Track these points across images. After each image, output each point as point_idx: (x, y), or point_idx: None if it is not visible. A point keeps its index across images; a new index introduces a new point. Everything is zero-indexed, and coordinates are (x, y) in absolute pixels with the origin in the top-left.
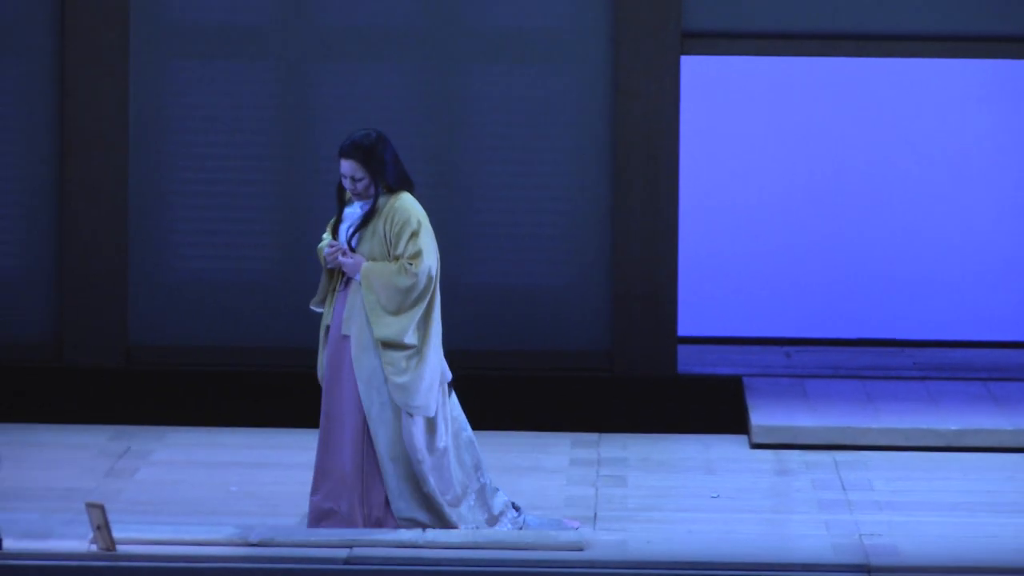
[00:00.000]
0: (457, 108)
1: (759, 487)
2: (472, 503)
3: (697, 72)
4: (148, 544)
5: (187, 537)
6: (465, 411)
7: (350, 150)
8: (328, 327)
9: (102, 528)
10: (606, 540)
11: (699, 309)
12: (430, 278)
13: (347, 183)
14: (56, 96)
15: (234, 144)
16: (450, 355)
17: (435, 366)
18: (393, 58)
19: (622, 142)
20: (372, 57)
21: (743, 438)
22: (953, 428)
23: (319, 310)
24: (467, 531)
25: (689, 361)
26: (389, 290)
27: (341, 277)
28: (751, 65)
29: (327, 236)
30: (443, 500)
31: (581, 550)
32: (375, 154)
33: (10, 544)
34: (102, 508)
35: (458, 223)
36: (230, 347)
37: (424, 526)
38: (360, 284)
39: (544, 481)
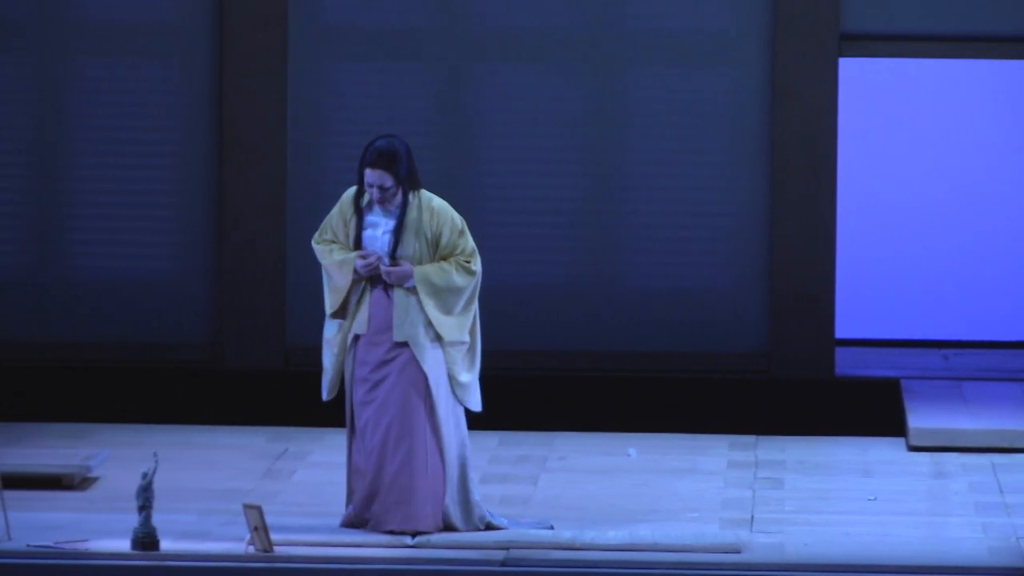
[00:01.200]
0: (615, 110)
1: (916, 490)
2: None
3: (855, 74)
4: (305, 546)
5: (344, 539)
6: (622, 413)
7: (376, 159)
8: (356, 336)
9: (259, 529)
10: (763, 542)
11: (857, 311)
12: (480, 274)
13: (374, 192)
14: (214, 99)
15: None
16: (609, 357)
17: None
18: (550, 60)
19: (780, 144)
20: (529, 59)
21: (900, 440)
22: None
23: (339, 321)
24: (625, 532)
25: (847, 363)
26: (451, 291)
27: (369, 285)
28: (907, 67)
29: (336, 248)
30: (483, 510)
31: (738, 552)
32: (398, 157)
33: (167, 545)
34: (259, 509)
35: (616, 225)
36: None
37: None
38: (409, 290)
39: (701, 483)
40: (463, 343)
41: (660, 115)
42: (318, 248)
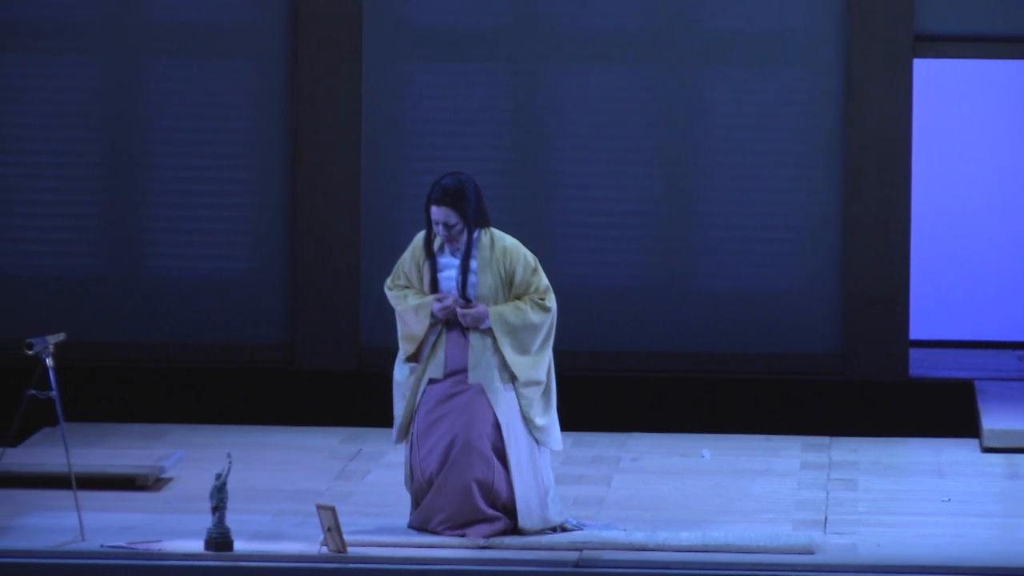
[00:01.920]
0: (689, 111)
1: (990, 491)
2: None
3: (929, 75)
4: (379, 546)
5: (417, 539)
6: (696, 414)
7: (442, 197)
8: (431, 379)
9: (333, 530)
10: (836, 544)
11: (931, 312)
12: (555, 312)
13: (440, 230)
14: (289, 100)
15: (467, 147)
16: (683, 358)
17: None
18: (624, 61)
19: (854, 145)
20: (604, 59)
21: (974, 442)
22: None
23: (411, 364)
24: (698, 534)
25: (921, 364)
26: (527, 329)
27: (445, 328)
28: (981, 68)
29: (411, 293)
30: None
31: (811, 553)
32: (465, 195)
33: (241, 546)
34: (333, 510)
35: (690, 226)
36: None
37: None
38: (485, 331)
39: (775, 485)
40: (539, 383)
41: (734, 116)
42: (391, 294)
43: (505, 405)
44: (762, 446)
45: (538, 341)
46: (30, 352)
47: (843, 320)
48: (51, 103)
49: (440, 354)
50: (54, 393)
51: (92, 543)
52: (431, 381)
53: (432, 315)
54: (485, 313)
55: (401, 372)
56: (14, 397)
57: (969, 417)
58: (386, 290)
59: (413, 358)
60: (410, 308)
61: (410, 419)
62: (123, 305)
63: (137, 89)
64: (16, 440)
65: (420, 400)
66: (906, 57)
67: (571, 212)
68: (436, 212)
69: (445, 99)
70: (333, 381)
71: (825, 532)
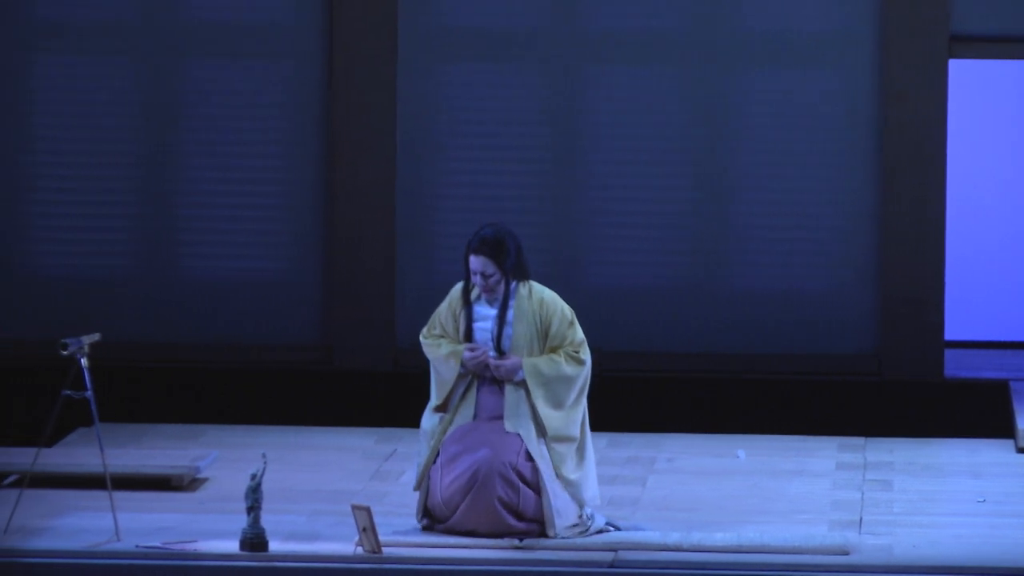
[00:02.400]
0: (723, 111)
1: None
2: None
3: (964, 75)
4: (414, 547)
5: (452, 540)
6: (731, 414)
7: (480, 246)
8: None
9: (368, 530)
10: (872, 544)
11: (966, 313)
12: (590, 366)
13: (478, 279)
14: (324, 100)
15: (500, 148)
16: (718, 358)
17: (593, 456)
18: (660, 61)
19: (889, 146)
20: (639, 60)
21: (1009, 442)
22: None
23: (440, 414)
24: (733, 534)
25: (956, 365)
26: (561, 381)
27: (476, 380)
28: (1017, 68)
29: (445, 343)
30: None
31: (847, 554)
32: (504, 247)
33: (276, 546)
34: (368, 510)
35: (725, 226)
36: None
37: None
38: (519, 383)
39: (810, 485)
40: (571, 439)
41: (769, 117)
42: (426, 342)
43: (538, 454)
44: (797, 447)
45: (572, 395)
46: (65, 352)
47: (878, 320)
48: (86, 103)
49: (470, 406)
50: (89, 393)
51: (127, 543)
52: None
53: (462, 364)
54: (519, 364)
55: (430, 421)
56: (49, 397)
57: (1004, 418)
58: (421, 339)
59: (442, 407)
60: (442, 356)
61: (432, 462)
62: (158, 305)
63: (173, 89)
64: (51, 440)
65: (445, 438)
66: (942, 58)
67: (606, 212)
68: (474, 262)
69: (480, 100)
70: (368, 382)
71: (860, 533)
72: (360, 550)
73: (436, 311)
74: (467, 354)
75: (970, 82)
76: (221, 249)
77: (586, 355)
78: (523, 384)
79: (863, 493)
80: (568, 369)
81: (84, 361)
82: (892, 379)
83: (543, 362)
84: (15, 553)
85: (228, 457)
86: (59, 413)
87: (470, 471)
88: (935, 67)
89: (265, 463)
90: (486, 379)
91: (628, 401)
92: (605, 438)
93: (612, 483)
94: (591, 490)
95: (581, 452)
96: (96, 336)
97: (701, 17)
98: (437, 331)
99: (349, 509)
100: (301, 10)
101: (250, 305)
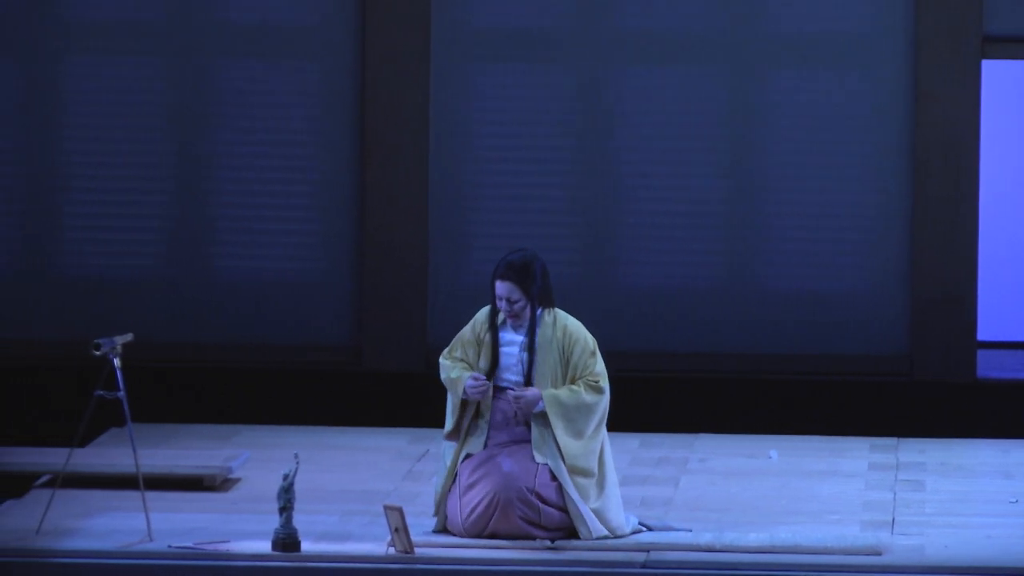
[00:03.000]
0: (755, 112)
1: None
2: None
3: (997, 76)
4: (446, 547)
5: (484, 541)
6: (763, 415)
7: (506, 272)
8: (468, 454)
9: (400, 530)
10: (903, 545)
11: (998, 313)
12: (608, 397)
13: (503, 305)
14: (357, 101)
15: (533, 148)
16: (750, 359)
17: (616, 485)
18: (690, 61)
19: (921, 146)
20: (670, 60)
21: None
22: None
23: (453, 443)
24: (765, 534)
25: (988, 365)
26: (581, 410)
27: (485, 410)
28: None
29: (459, 367)
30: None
31: (879, 554)
32: (530, 273)
33: (308, 546)
34: (400, 511)
35: (756, 227)
36: None
37: None
38: (541, 415)
39: (842, 486)
40: (589, 474)
41: (801, 118)
42: (443, 363)
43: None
44: (829, 447)
45: (592, 424)
46: (98, 353)
47: (910, 321)
48: (118, 104)
49: (482, 432)
50: (121, 394)
51: (160, 543)
52: (468, 455)
53: (465, 392)
54: (539, 396)
55: (447, 453)
56: (82, 398)
57: None
58: (441, 359)
59: (453, 434)
60: (449, 380)
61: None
62: (190, 306)
63: (204, 90)
64: (84, 441)
65: (460, 467)
66: (974, 58)
67: (636, 213)
68: (500, 287)
69: (512, 100)
70: (400, 382)
71: (892, 533)
72: (392, 550)
73: (460, 333)
74: (469, 382)
75: (1003, 82)
76: (253, 250)
77: (606, 385)
78: (544, 415)
79: (895, 494)
80: (588, 398)
81: (117, 361)
82: (924, 379)
83: (563, 393)
84: (48, 553)
85: (260, 457)
86: (92, 413)
87: (487, 499)
88: (968, 67)
89: (297, 463)
90: (499, 409)
91: (660, 401)
92: (637, 439)
93: (644, 483)
94: (615, 519)
95: (601, 485)
96: (129, 336)
97: (732, 17)
98: (458, 353)
99: (381, 509)
100: (333, 11)
101: (282, 306)
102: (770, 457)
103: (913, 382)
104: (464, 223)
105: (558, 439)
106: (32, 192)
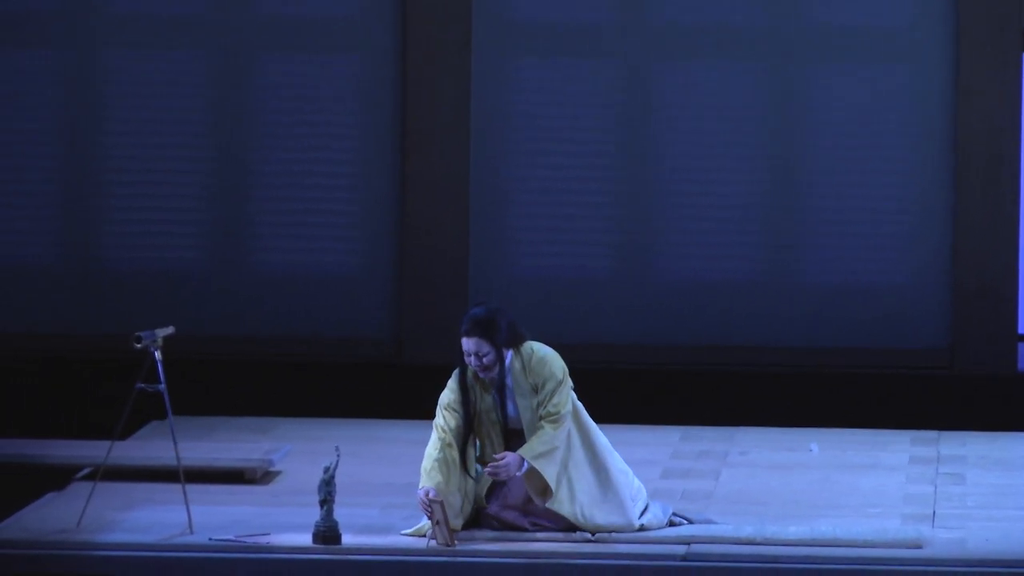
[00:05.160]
0: (795, 106)
1: None
2: None
3: None
4: (486, 541)
5: (525, 535)
6: (804, 409)
7: (472, 328)
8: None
9: (441, 523)
10: (945, 538)
11: None
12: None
13: (473, 361)
14: (398, 94)
15: (574, 142)
16: (790, 352)
17: (622, 485)
18: (731, 56)
19: (962, 139)
20: (711, 54)
21: None
22: None
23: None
24: (806, 528)
25: None
26: (559, 451)
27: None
28: None
29: (433, 464)
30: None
31: (919, 548)
32: (495, 325)
33: (349, 539)
34: (442, 503)
35: (796, 221)
36: (571, 345)
37: None
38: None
39: (883, 479)
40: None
41: (841, 112)
42: (432, 438)
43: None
44: (870, 440)
45: (562, 439)
46: (139, 346)
47: (951, 314)
48: (158, 97)
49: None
50: (162, 387)
51: (200, 536)
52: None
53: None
54: (518, 460)
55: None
56: (123, 391)
57: None
58: (434, 425)
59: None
60: (423, 470)
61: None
62: (231, 299)
63: (245, 83)
64: (125, 434)
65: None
66: (1015, 52)
67: (677, 207)
68: (467, 343)
69: (552, 94)
70: (441, 375)
71: (933, 527)
72: (433, 543)
73: (440, 399)
74: (421, 495)
75: None
76: (293, 243)
77: (565, 411)
78: (531, 471)
79: (936, 487)
80: (555, 434)
81: (158, 354)
82: (965, 373)
83: (536, 444)
84: (89, 546)
85: (301, 450)
86: (133, 406)
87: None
88: (1009, 60)
89: (338, 456)
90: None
91: (701, 395)
92: (678, 432)
93: (685, 477)
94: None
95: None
96: (170, 329)
97: (773, 11)
98: (441, 423)
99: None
100: (374, 3)
101: (322, 298)
102: (811, 450)
103: (954, 375)
104: (504, 216)
105: (545, 476)
106: (74, 186)
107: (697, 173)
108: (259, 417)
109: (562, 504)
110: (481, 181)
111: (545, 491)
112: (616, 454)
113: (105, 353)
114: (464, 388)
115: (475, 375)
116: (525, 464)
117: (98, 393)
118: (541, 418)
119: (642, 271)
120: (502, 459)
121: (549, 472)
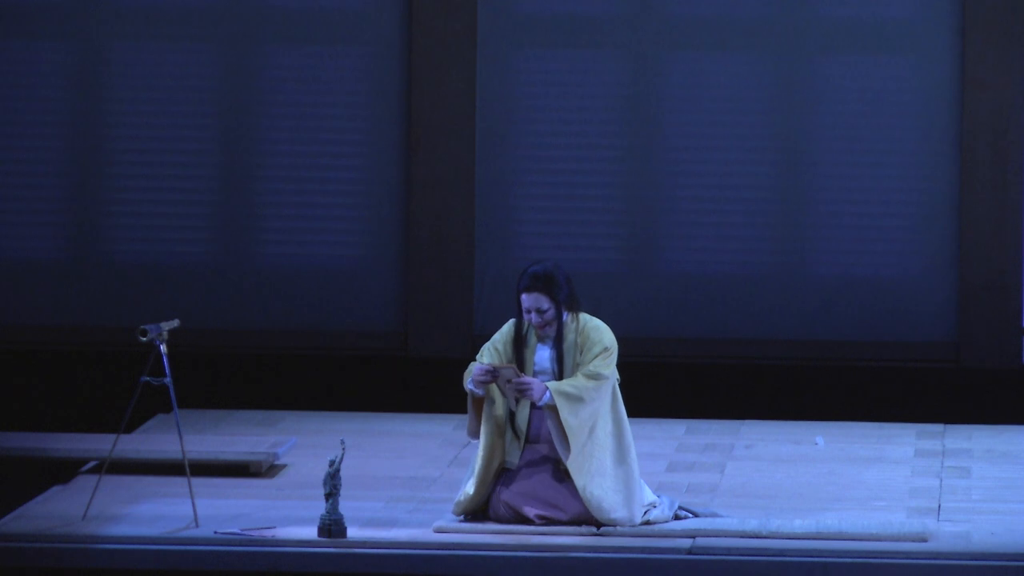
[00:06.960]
0: (802, 98)
1: None
2: None
3: None
4: (493, 534)
5: (530, 528)
6: (809, 401)
7: (532, 283)
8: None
9: (511, 383)
10: (950, 531)
11: None
12: (609, 393)
13: (533, 316)
14: (404, 87)
15: (580, 134)
16: (796, 345)
17: (635, 484)
18: (737, 47)
19: (969, 133)
20: (718, 46)
21: None
22: None
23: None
24: (811, 521)
25: None
26: (585, 408)
27: (513, 414)
28: None
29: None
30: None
31: (925, 541)
32: (555, 281)
33: (354, 533)
34: (515, 367)
35: (803, 213)
36: None
37: None
38: (549, 408)
39: (889, 472)
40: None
41: (848, 104)
42: (475, 362)
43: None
44: (875, 434)
45: (593, 400)
46: (144, 339)
47: (957, 308)
48: (166, 90)
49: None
50: (168, 380)
51: (206, 530)
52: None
53: (473, 377)
54: (542, 388)
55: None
56: (128, 384)
57: None
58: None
59: (474, 433)
60: (467, 373)
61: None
62: (237, 292)
63: (252, 76)
64: (130, 427)
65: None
66: (1022, 44)
67: (684, 199)
68: (527, 299)
69: (559, 86)
70: (446, 368)
71: (938, 520)
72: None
73: (489, 341)
74: (478, 367)
75: None
76: (299, 236)
77: (607, 372)
78: (552, 409)
79: (941, 480)
80: (589, 386)
81: (163, 347)
82: (971, 366)
83: (565, 384)
84: (94, 539)
85: (306, 443)
86: (138, 399)
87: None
88: (1015, 53)
89: (343, 449)
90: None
91: (706, 388)
92: (683, 425)
93: (690, 470)
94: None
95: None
96: (175, 322)
97: (781, 3)
98: (486, 359)
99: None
100: None
101: (328, 292)
102: (816, 444)
103: (960, 368)
104: (510, 209)
105: (564, 422)
106: (79, 179)
107: (703, 166)
108: (264, 410)
109: (579, 470)
110: (487, 174)
111: (563, 438)
112: (635, 456)
113: (110, 346)
114: (519, 336)
115: (529, 330)
116: (547, 395)
117: (103, 386)
118: (579, 372)
119: (648, 263)
120: (531, 381)
121: (565, 412)
